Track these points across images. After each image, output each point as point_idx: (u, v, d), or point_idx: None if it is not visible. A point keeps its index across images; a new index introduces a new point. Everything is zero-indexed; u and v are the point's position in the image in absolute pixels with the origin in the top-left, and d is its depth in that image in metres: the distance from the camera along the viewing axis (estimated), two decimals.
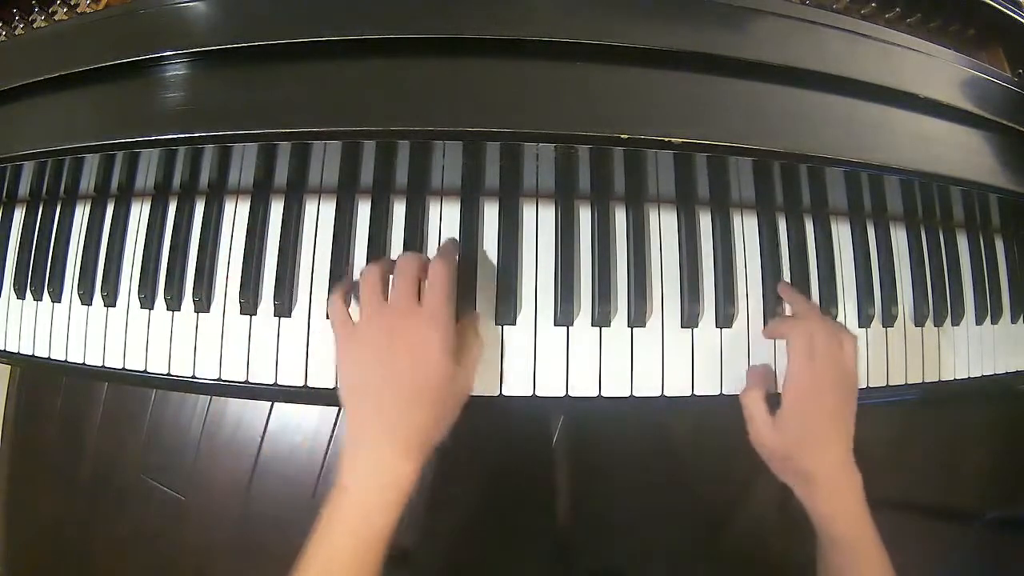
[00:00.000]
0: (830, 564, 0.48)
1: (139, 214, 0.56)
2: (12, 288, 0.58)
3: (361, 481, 0.42)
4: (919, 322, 0.59)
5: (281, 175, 0.52)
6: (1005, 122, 0.51)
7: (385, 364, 0.43)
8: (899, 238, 0.60)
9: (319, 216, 0.53)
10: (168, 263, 0.54)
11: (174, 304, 0.53)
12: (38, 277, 0.57)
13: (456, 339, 0.45)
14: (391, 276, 0.46)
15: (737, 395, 0.52)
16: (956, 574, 1.10)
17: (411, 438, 0.43)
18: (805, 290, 0.55)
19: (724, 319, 0.53)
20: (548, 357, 0.51)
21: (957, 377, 0.60)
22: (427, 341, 0.43)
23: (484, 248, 0.52)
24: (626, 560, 1.00)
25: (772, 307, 0.54)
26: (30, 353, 0.57)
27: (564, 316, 0.51)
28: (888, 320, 0.58)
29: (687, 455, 0.96)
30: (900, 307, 0.59)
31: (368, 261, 0.51)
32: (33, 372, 1.14)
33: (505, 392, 0.51)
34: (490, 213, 0.53)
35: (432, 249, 0.52)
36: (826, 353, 0.49)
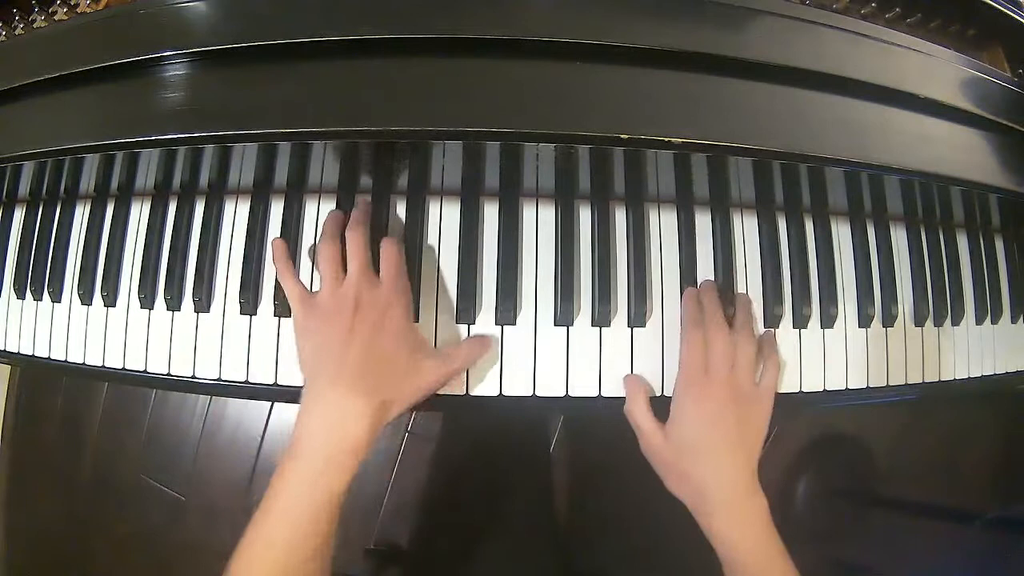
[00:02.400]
0: None
1: (139, 214, 0.56)
2: (12, 288, 0.58)
3: (314, 444, 0.42)
4: (919, 322, 0.59)
5: (281, 175, 0.52)
6: (1005, 122, 0.51)
7: (343, 333, 0.44)
8: (899, 238, 0.60)
9: (319, 216, 0.53)
10: (168, 263, 0.54)
11: (174, 304, 0.53)
12: (38, 277, 0.57)
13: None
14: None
15: None
16: (956, 574, 1.10)
17: (366, 402, 0.43)
18: (805, 290, 0.55)
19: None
20: (548, 357, 0.51)
21: (957, 377, 0.60)
22: (389, 308, 0.45)
23: (484, 248, 0.52)
24: (626, 560, 1.00)
25: (772, 307, 0.54)
26: (30, 353, 0.57)
27: (564, 316, 0.51)
28: (888, 320, 0.58)
29: None
30: (900, 307, 0.59)
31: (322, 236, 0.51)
32: (33, 372, 1.14)
33: (505, 392, 0.51)
34: (490, 213, 0.53)
35: (432, 250, 0.52)
36: (722, 369, 0.47)
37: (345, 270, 0.47)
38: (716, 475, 0.46)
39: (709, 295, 0.52)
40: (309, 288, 0.50)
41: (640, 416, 0.49)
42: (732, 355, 0.48)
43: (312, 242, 0.53)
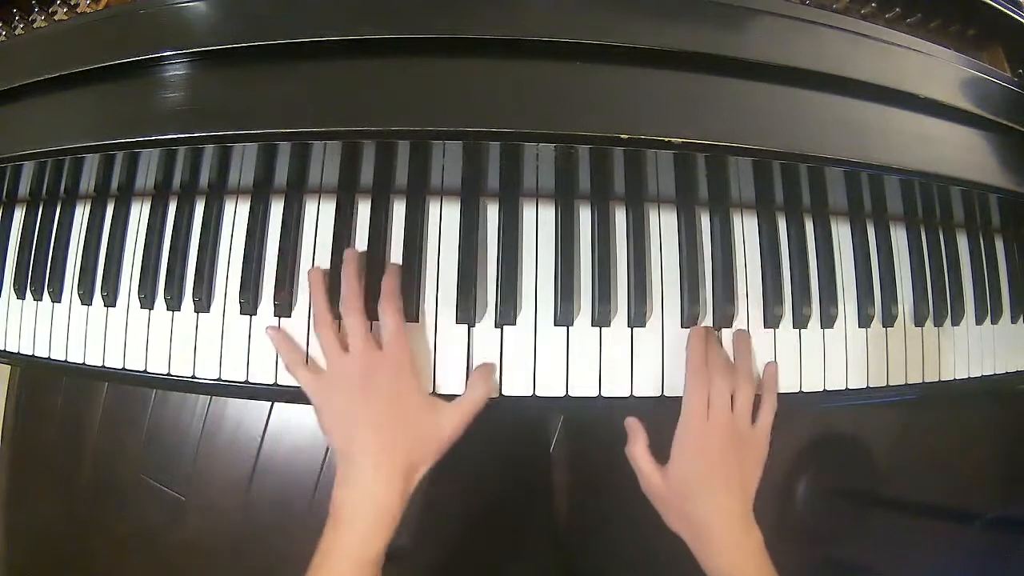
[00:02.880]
0: None
1: (139, 214, 0.56)
2: (12, 288, 0.58)
3: (352, 512, 0.45)
4: (919, 322, 0.59)
5: (281, 175, 0.52)
6: (1005, 122, 0.51)
7: (361, 407, 0.46)
8: (899, 238, 0.60)
9: (319, 216, 0.53)
10: (168, 263, 0.54)
11: (174, 304, 0.53)
12: (38, 277, 0.57)
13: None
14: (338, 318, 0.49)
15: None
16: (956, 574, 1.10)
17: (395, 468, 0.45)
18: (805, 290, 0.55)
19: (723, 319, 0.53)
20: (548, 357, 0.51)
21: (957, 377, 0.60)
22: (395, 380, 0.47)
23: (484, 248, 0.52)
24: (626, 561, 1.00)
25: (772, 307, 0.54)
26: (30, 353, 0.57)
27: (564, 316, 0.51)
28: (888, 320, 0.58)
29: None
30: (900, 307, 0.59)
31: (311, 277, 0.51)
32: (33, 372, 1.14)
33: (505, 392, 0.51)
34: (490, 213, 0.53)
35: (432, 250, 0.52)
36: (723, 413, 0.49)
37: (345, 346, 0.48)
38: (715, 515, 0.48)
39: (712, 338, 0.53)
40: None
41: (640, 458, 0.51)
42: (730, 398, 0.50)
43: (312, 243, 0.53)
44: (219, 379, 0.52)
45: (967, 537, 1.10)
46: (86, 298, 0.55)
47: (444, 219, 0.53)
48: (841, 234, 0.58)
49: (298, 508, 1.06)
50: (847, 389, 0.56)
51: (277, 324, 0.52)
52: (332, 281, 0.51)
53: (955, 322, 0.61)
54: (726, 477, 0.48)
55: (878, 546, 1.07)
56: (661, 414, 0.51)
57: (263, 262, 0.53)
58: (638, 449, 0.52)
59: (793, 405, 0.54)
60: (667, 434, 0.50)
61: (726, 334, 0.54)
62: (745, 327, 0.54)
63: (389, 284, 0.49)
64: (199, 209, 0.55)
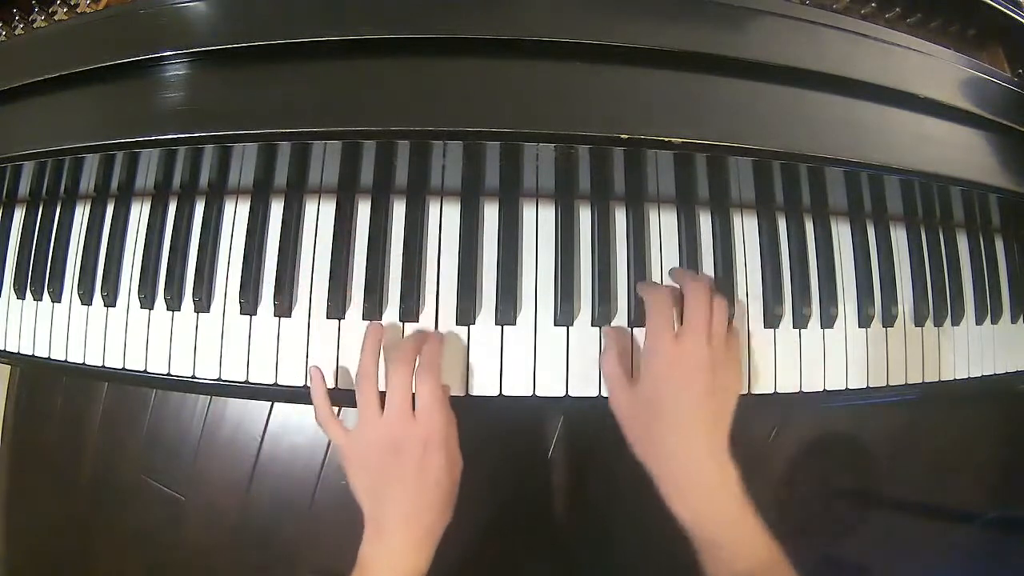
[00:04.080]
0: (711, 570, 0.44)
1: (139, 214, 0.56)
2: (12, 288, 0.58)
3: (378, 568, 0.45)
4: (919, 322, 0.59)
5: (281, 175, 0.52)
6: (1005, 122, 0.51)
7: (392, 470, 0.46)
8: (899, 238, 0.60)
9: (319, 216, 0.53)
10: (168, 263, 0.54)
11: (174, 304, 0.53)
12: (38, 277, 0.57)
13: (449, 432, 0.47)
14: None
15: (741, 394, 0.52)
16: (956, 574, 1.10)
17: (423, 533, 0.46)
18: (805, 290, 0.55)
19: None
20: (548, 357, 0.51)
21: (957, 377, 0.60)
22: (427, 453, 0.46)
23: (484, 248, 0.52)
24: (626, 562, 1.00)
25: (772, 307, 0.54)
26: (30, 353, 0.57)
27: (564, 316, 0.51)
28: (888, 320, 0.58)
29: None
30: (900, 307, 0.59)
31: (366, 323, 0.51)
32: (33, 372, 1.14)
33: (505, 392, 0.51)
34: (490, 213, 0.53)
35: (432, 251, 0.52)
36: (701, 332, 0.46)
37: (382, 405, 0.47)
38: (684, 444, 0.45)
39: (683, 271, 0.52)
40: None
41: (611, 369, 0.49)
42: (711, 319, 0.47)
43: (312, 243, 0.53)
44: (219, 379, 0.52)
45: (967, 537, 1.10)
46: (86, 298, 0.55)
47: (444, 219, 0.53)
48: (841, 234, 0.58)
49: (298, 508, 1.06)
50: (847, 389, 0.56)
51: (277, 324, 0.52)
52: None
53: (955, 322, 0.61)
54: (698, 403, 0.45)
55: (878, 546, 1.07)
56: None
57: (263, 262, 0.53)
58: (610, 359, 0.49)
59: (793, 405, 0.54)
60: None
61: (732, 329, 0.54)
62: (745, 326, 0.54)
63: (430, 354, 0.48)
64: (199, 209, 0.55)
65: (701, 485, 0.44)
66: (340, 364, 0.51)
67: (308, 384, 0.50)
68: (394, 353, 0.47)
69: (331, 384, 0.51)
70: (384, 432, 0.46)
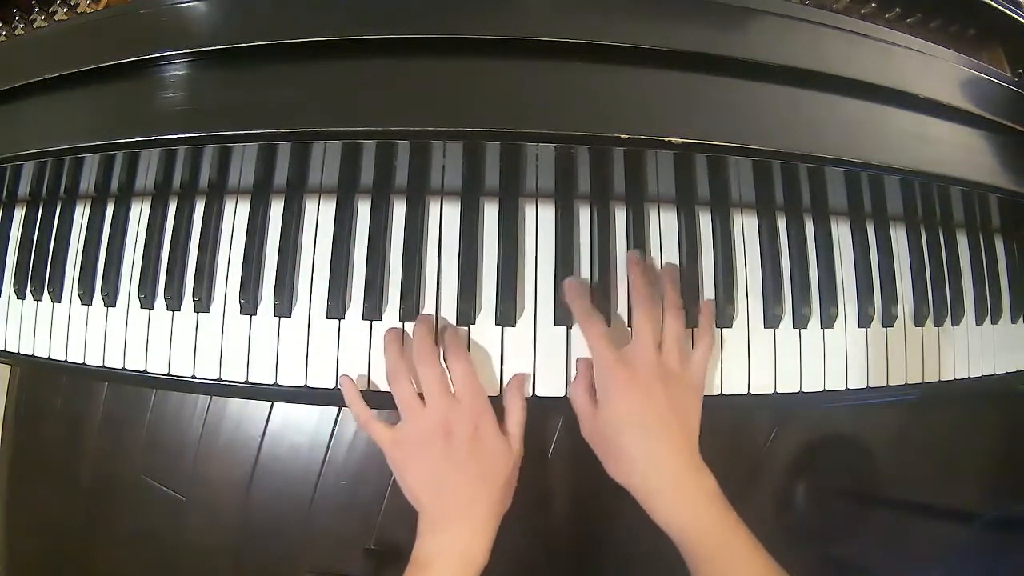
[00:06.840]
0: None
1: (139, 214, 0.56)
2: (12, 288, 0.58)
3: (444, 565, 0.45)
4: (919, 322, 0.59)
5: (281, 175, 0.52)
6: (1005, 122, 0.51)
7: (446, 460, 0.46)
8: (899, 238, 0.60)
9: (319, 216, 0.53)
10: (168, 263, 0.54)
11: (174, 304, 0.53)
12: (38, 277, 0.57)
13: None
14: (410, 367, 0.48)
15: (733, 395, 0.52)
16: (956, 574, 1.10)
17: (485, 519, 0.46)
18: (805, 290, 0.55)
19: (724, 319, 0.53)
20: (548, 357, 0.51)
21: (957, 377, 0.60)
22: (475, 427, 0.46)
23: (484, 248, 0.52)
24: (626, 561, 1.00)
25: (772, 307, 0.54)
26: (30, 353, 0.57)
27: (564, 316, 0.51)
28: (888, 320, 0.58)
29: None
30: (900, 307, 0.59)
31: (385, 344, 0.50)
32: (33, 372, 1.14)
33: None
34: (490, 213, 0.53)
35: (432, 251, 0.52)
36: (649, 351, 0.46)
37: (422, 398, 0.47)
38: (653, 459, 0.45)
39: (635, 268, 0.50)
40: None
41: (577, 398, 0.49)
42: (658, 335, 0.47)
43: (312, 243, 0.53)
44: (219, 379, 0.52)
45: (967, 537, 1.10)
46: (86, 298, 0.55)
47: (444, 219, 0.53)
48: (841, 234, 0.58)
49: (298, 508, 1.06)
50: (847, 389, 0.56)
51: (277, 324, 0.52)
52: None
53: (955, 322, 0.61)
54: (660, 418, 0.45)
55: (878, 546, 1.07)
56: None
57: (263, 262, 0.53)
58: (576, 390, 0.49)
59: (793, 405, 0.54)
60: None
61: (732, 329, 0.54)
62: (745, 326, 0.54)
63: (452, 337, 0.49)
64: (199, 209, 0.55)
65: (679, 497, 0.45)
66: (340, 364, 0.51)
67: (337, 387, 0.50)
68: (416, 347, 0.48)
69: (331, 384, 0.51)
70: (431, 419, 0.46)
